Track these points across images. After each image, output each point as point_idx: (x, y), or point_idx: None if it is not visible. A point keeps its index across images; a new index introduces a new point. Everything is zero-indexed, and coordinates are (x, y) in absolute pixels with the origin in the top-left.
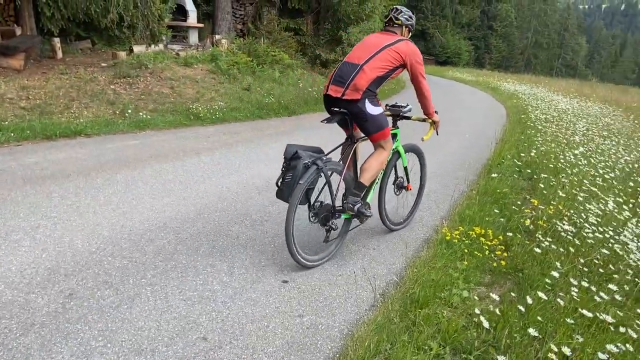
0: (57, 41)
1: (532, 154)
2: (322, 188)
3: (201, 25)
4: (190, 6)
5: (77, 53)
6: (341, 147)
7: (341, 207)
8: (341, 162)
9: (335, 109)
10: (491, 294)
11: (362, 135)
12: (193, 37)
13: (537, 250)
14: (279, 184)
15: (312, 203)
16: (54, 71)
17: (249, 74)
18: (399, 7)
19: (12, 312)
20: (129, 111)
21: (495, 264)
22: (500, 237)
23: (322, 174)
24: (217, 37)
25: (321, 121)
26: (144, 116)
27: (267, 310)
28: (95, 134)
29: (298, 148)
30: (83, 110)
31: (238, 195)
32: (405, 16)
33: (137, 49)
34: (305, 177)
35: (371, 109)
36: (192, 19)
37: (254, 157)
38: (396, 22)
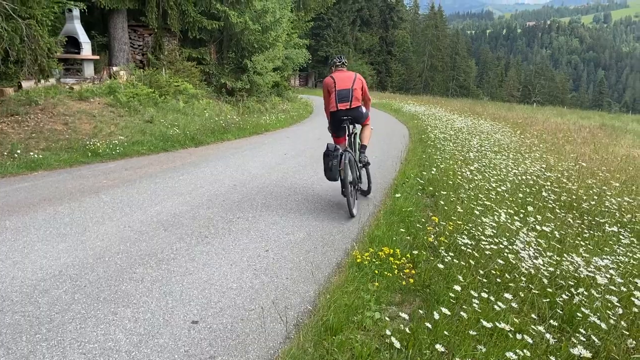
0: None
1: (433, 172)
2: (346, 168)
3: (97, 57)
4: (83, 38)
5: None
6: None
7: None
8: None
9: (344, 117)
10: (401, 313)
11: (355, 132)
12: (88, 70)
13: (441, 265)
14: (332, 168)
15: (342, 178)
16: None
17: (151, 105)
18: (341, 55)
19: None
20: (18, 151)
21: (404, 283)
22: (408, 255)
23: (351, 156)
24: (115, 68)
25: (342, 125)
26: (36, 156)
27: (176, 355)
28: None
29: (335, 145)
30: None
31: (142, 234)
32: (345, 60)
33: (26, 84)
34: (345, 159)
35: (363, 110)
36: (87, 50)
37: (159, 192)
38: (345, 64)
